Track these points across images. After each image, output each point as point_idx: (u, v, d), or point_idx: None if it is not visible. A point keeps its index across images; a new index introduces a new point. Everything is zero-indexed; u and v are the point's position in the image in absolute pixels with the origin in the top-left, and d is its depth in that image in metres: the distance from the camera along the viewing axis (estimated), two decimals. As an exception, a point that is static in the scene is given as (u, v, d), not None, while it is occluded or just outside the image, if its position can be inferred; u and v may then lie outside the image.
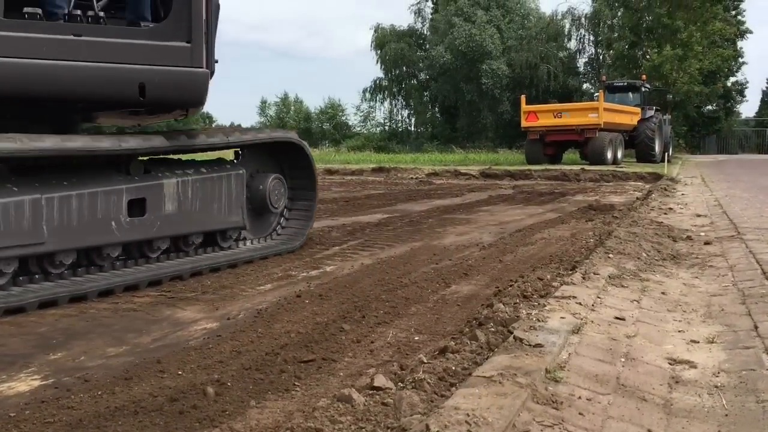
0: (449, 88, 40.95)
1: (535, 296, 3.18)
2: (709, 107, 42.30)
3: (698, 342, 2.71)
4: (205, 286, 4.18)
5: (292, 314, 3.46)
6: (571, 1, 60.34)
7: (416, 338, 3.04)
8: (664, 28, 34.51)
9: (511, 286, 3.68)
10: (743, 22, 42.73)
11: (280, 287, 4.16)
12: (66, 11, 4.00)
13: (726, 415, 1.99)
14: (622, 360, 2.40)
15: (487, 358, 2.25)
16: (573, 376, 2.15)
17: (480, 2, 40.21)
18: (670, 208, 7.82)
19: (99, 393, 2.38)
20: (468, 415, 1.72)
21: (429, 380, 2.07)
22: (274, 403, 2.29)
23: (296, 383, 2.47)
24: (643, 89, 25.08)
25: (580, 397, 2.00)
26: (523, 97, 23.70)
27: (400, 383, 2.12)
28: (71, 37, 3.85)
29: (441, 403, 1.85)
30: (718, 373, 2.34)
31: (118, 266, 4.21)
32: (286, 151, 5.47)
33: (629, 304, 3.19)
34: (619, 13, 38.88)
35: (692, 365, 2.43)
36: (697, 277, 3.98)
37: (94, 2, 4.17)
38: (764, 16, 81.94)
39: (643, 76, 27.62)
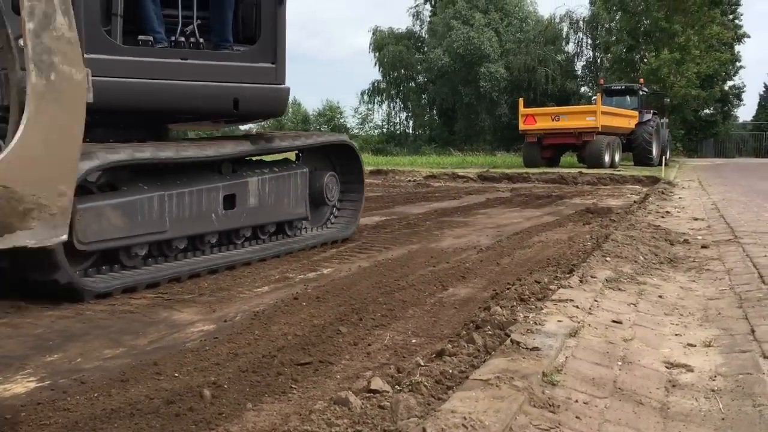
0: (447, 90, 41.01)
1: (532, 299, 3.17)
2: (707, 111, 42.37)
3: (695, 346, 2.71)
4: (202, 288, 4.18)
5: (289, 316, 3.46)
6: (570, 4, 60.56)
7: (413, 341, 3.04)
8: (662, 32, 34.58)
9: (508, 289, 3.68)
10: (741, 26, 42.83)
11: (277, 289, 4.16)
12: (163, 35, 4.58)
13: (723, 418, 1.99)
14: (619, 363, 2.40)
15: (484, 361, 2.25)
16: (570, 380, 2.15)
17: (478, 5, 40.28)
18: (668, 212, 7.83)
19: (95, 395, 2.38)
20: (465, 418, 1.72)
21: (426, 383, 2.07)
22: (271, 405, 2.29)
23: (293, 386, 2.47)
24: (640, 93, 25.13)
25: (577, 401, 2.00)
26: (521, 100, 23.72)
27: (397, 386, 2.12)
28: (179, 60, 4.50)
29: (438, 407, 1.85)
30: (715, 376, 2.34)
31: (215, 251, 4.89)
32: (338, 152, 6.16)
33: (626, 308, 3.19)
34: (617, 17, 38.95)
35: (689, 369, 2.43)
36: (694, 281, 3.98)
37: (195, 29, 4.72)
38: (761, 20, 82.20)
39: (641, 80, 27.68)
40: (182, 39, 4.63)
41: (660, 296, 3.53)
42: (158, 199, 4.23)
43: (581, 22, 43.20)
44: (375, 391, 2.07)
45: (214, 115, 5.18)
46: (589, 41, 43.72)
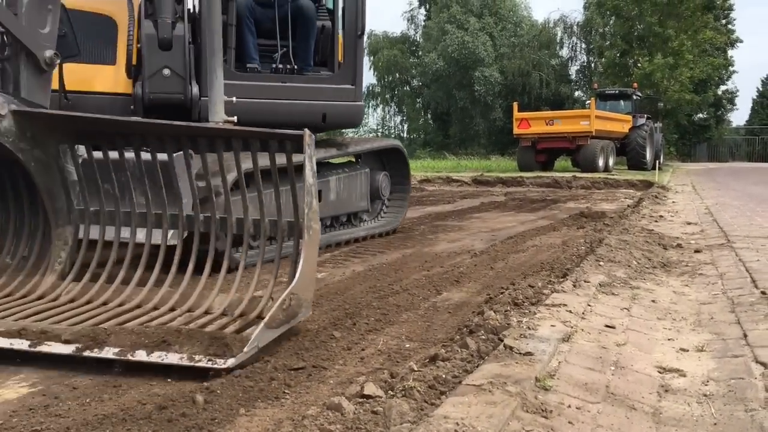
0: (442, 94, 41.09)
1: (526, 304, 3.18)
2: (700, 115, 42.54)
3: (688, 350, 2.72)
4: (196, 292, 4.16)
5: (282, 321, 3.44)
6: (564, 9, 60.83)
7: (407, 346, 3.04)
8: (656, 37, 34.74)
9: (502, 293, 3.69)
10: (733, 31, 43.03)
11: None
12: (258, 62, 5.47)
13: (715, 423, 1.99)
14: (612, 368, 2.40)
15: (477, 367, 2.25)
16: (563, 385, 2.15)
17: (473, 10, 40.40)
18: (661, 216, 7.86)
19: (87, 401, 2.37)
20: (457, 424, 1.72)
21: (419, 388, 2.07)
22: (264, 411, 2.28)
23: (286, 391, 2.46)
24: (634, 97, 25.25)
25: (569, 406, 2.00)
26: (515, 104, 23.82)
27: (390, 391, 2.12)
28: (280, 84, 5.50)
29: (431, 412, 1.85)
30: (707, 381, 2.35)
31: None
32: (388, 154, 7.01)
33: (619, 312, 3.19)
34: (611, 22, 39.12)
35: (681, 374, 2.44)
36: (687, 285, 3.99)
37: (291, 57, 5.63)
38: (754, 25, 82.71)
39: (635, 84, 27.80)
40: (280, 66, 5.60)
41: (653, 301, 3.54)
42: (274, 195, 4.75)
43: (575, 27, 43.38)
44: (368, 397, 2.07)
45: (305, 127, 5.79)
46: (583, 46, 43.89)
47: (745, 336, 2.79)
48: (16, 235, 3.64)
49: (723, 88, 44.02)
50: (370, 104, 48.04)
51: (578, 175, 17.58)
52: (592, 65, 43.69)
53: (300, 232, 3.08)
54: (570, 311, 3.00)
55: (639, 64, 35.23)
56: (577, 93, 43.15)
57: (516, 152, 24.07)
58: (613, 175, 18.87)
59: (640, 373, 2.42)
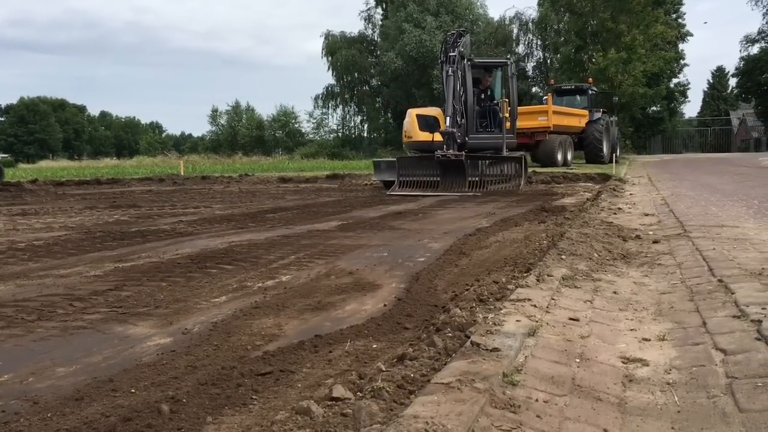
0: (401, 93, 41.22)
1: (491, 300, 3.20)
2: (654, 108, 43.46)
3: (650, 340, 2.77)
4: (158, 300, 4.09)
5: (248, 326, 3.41)
6: (519, 6, 61.47)
7: (374, 346, 3.03)
8: (609, 32, 35.36)
9: (467, 290, 3.70)
10: (683, 25, 44.07)
11: (236, 299, 4.10)
12: (478, 125, 15.37)
13: (678, 411, 2.03)
14: (577, 361, 2.43)
15: (445, 364, 2.25)
16: (530, 379, 2.17)
17: (429, 8, 40.60)
18: (619, 208, 8.00)
19: (49, 415, 2.31)
20: (427, 423, 1.72)
21: (388, 389, 2.06)
22: (231, 418, 2.25)
23: (254, 397, 2.44)
24: (589, 92, 25.64)
25: (537, 400, 2.02)
26: (474, 102, 23.81)
27: (358, 393, 2.11)
28: (494, 135, 15.17)
29: (400, 412, 1.85)
30: (670, 370, 2.39)
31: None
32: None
33: (582, 305, 3.24)
34: (565, 18, 39.72)
35: (645, 363, 2.48)
36: (646, 276, 4.06)
37: (491, 124, 15.44)
38: (704, 19, 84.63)
39: (590, 79, 28.24)
40: (493, 129, 15.24)
41: (614, 292, 3.59)
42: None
43: (530, 24, 43.91)
44: (337, 399, 2.06)
45: (497, 150, 14.71)
46: (539, 42, 44.44)
47: (705, 324, 2.85)
48: (454, 182, 13.51)
49: (675, 81, 45.11)
50: (330, 104, 47.94)
51: (538, 170, 17.78)
52: (548, 61, 44.28)
53: (526, 173, 14.40)
54: (534, 305, 3.03)
55: (593, 60, 35.82)
56: (534, 89, 43.68)
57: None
58: (571, 169, 19.15)
59: (604, 364, 2.46)
